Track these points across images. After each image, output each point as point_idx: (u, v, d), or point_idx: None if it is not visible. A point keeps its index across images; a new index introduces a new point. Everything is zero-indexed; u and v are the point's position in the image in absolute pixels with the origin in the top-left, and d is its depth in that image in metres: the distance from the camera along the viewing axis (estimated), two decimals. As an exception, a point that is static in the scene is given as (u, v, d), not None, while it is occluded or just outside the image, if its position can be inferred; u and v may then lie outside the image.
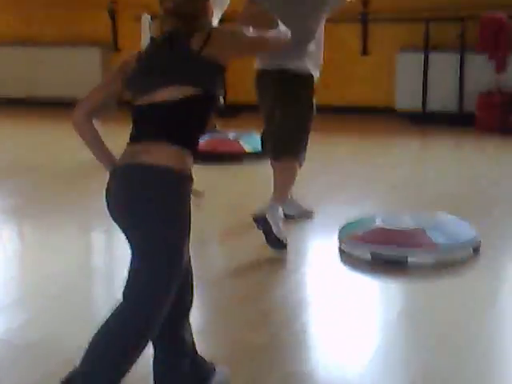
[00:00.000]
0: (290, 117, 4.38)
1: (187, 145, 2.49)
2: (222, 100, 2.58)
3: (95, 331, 2.51)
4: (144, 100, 2.52)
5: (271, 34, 2.69)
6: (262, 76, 4.44)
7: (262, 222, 4.23)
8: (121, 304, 2.51)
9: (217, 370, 2.88)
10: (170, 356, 2.75)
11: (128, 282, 2.50)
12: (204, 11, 2.59)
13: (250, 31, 2.59)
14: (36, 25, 8.32)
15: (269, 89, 4.42)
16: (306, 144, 4.44)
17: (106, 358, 2.51)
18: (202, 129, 2.58)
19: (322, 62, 4.47)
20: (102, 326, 2.53)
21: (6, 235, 5.07)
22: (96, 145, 2.62)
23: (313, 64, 4.38)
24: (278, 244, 4.24)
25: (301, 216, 4.81)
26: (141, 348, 2.51)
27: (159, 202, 2.45)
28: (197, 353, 2.82)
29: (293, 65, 4.31)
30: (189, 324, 2.78)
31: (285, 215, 4.62)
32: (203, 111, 2.54)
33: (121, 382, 2.48)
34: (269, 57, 4.32)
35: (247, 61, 4.41)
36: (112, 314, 2.53)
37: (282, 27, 2.73)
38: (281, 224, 4.29)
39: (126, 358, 2.50)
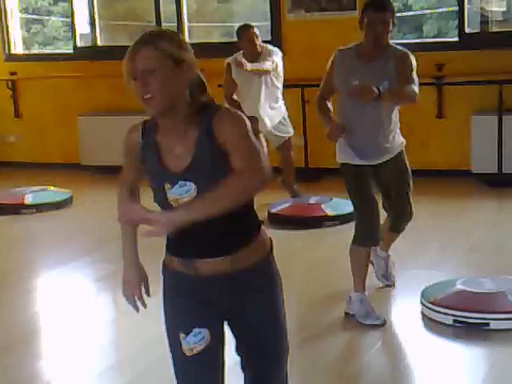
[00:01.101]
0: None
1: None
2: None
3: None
4: None
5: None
6: None
7: (349, 315, 4.28)
8: None
9: None
10: None
11: None
12: None
13: None
14: (125, 95, 8.50)
15: None
16: (361, 226, 4.29)
17: None
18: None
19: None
20: None
21: (102, 302, 5.16)
22: None
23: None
24: (374, 326, 4.20)
25: (383, 280, 4.78)
26: None
27: None
28: None
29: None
30: None
31: None
32: None
33: None
34: None
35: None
36: None
37: None
38: (365, 307, 4.24)
39: None
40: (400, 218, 4.51)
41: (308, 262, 5.26)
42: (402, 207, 4.46)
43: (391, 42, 4.32)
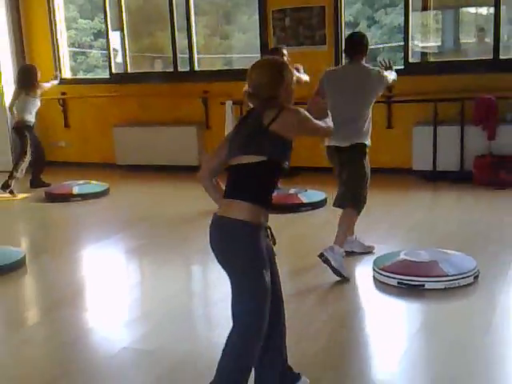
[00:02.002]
0: (353, 177, 4.40)
1: (258, 201, 2.43)
2: (287, 164, 2.50)
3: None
4: (231, 163, 2.50)
5: (322, 124, 2.62)
6: (329, 149, 4.49)
7: (322, 257, 4.28)
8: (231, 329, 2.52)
9: (302, 378, 2.87)
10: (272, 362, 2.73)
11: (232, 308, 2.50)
12: (279, 94, 2.48)
13: (311, 119, 2.53)
14: (149, 110, 8.53)
15: (334, 158, 4.49)
16: (365, 197, 4.39)
17: (224, 374, 2.51)
18: (269, 188, 2.49)
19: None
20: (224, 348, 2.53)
21: (131, 268, 5.20)
22: (215, 193, 2.59)
23: (365, 136, 4.44)
24: (337, 273, 4.23)
25: (365, 251, 4.79)
26: (250, 363, 2.51)
27: (235, 251, 2.43)
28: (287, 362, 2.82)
29: (352, 140, 4.39)
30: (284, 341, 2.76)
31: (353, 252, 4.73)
32: (268, 174, 2.45)
33: None
34: (333, 136, 4.32)
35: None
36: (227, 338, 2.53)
37: (329, 121, 2.68)
38: (340, 258, 4.27)
39: (239, 373, 2.50)
40: None
41: (288, 238, 5.26)
42: None
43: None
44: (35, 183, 7.74)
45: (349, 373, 3.14)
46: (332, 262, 4.23)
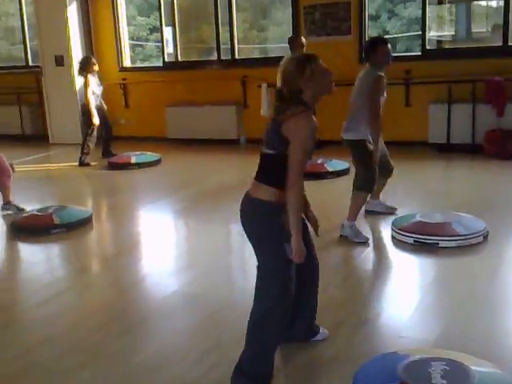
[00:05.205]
0: (357, 168, 4.23)
1: (278, 185, 2.26)
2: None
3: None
4: (261, 150, 2.37)
5: (299, 169, 2.23)
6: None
7: (341, 236, 4.17)
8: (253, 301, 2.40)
9: (320, 329, 2.78)
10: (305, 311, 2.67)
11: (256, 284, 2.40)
12: (301, 88, 2.24)
13: (307, 145, 2.20)
14: (196, 92, 8.45)
15: None
16: (371, 178, 4.12)
17: (256, 339, 2.38)
18: (279, 175, 2.24)
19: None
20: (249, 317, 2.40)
21: (179, 226, 5.15)
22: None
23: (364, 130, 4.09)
24: (359, 244, 4.08)
25: (387, 211, 4.63)
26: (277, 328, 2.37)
27: (256, 226, 2.33)
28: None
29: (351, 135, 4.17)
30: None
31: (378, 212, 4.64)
32: (281, 165, 2.23)
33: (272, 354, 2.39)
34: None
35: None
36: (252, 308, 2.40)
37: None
38: (355, 230, 4.12)
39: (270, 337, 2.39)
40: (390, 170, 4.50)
41: (316, 201, 5.08)
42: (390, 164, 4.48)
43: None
44: (106, 154, 7.73)
45: (368, 318, 3.02)
46: (348, 237, 4.13)
